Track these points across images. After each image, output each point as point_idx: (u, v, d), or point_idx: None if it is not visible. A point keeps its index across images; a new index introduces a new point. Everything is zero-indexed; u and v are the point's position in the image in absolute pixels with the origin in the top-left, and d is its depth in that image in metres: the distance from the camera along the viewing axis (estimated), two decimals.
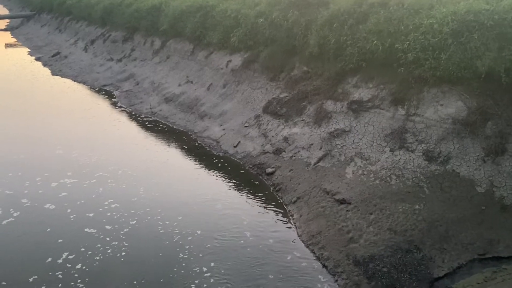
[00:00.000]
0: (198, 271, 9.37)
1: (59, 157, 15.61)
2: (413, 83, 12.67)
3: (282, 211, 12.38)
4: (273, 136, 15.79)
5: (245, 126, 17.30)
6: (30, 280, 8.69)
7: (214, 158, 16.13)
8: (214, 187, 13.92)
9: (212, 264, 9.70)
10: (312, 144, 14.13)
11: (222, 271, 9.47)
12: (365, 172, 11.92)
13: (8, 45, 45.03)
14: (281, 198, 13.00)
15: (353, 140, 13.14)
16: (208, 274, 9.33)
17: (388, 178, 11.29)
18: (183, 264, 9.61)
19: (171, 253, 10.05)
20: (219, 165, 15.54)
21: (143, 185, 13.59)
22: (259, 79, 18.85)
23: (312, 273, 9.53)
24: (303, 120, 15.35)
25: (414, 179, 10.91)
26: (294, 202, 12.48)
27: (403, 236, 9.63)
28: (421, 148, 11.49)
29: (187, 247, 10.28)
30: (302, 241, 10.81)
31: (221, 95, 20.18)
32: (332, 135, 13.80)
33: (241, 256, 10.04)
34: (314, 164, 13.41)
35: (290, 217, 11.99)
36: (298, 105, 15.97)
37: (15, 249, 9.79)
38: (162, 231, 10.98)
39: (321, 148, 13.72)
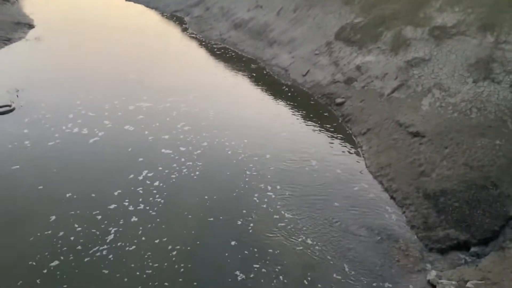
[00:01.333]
0: (263, 191, 9.69)
1: (134, 81, 16.25)
2: (505, 6, 11.32)
3: (350, 142, 12.19)
4: (344, 65, 15.19)
5: (315, 54, 16.74)
6: (115, 194, 9.51)
7: (283, 86, 15.96)
8: (281, 115, 13.91)
9: (278, 187, 9.97)
10: (386, 74, 13.43)
11: (287, 193, 9.72)
12: (443, 104, 11.22)
13: None
14: (350, 129, 12.75)
15: (433, 70, 12.28)
16: (272, 194, 9.62)
17: (468, 111, 10.56)
18: (251, 183, 9.97)
19: (239, 173, 10.45)
20: (288, 94, 15.39)
21: (213, 110, 13.93)
22: (333, 2, 17.84)
23: (379, 204, 9.50)
24: (378, 47, 14.51)
25: (497, 112, 10.11)
26: (364, 133, 12.19)
27: (480, 172, 9.15)
28: (509, 79, 10.49)
29: (254, 169, 10.62)
30: (370, 172, 10.69)
31: (291, 21, 19.47)
32: (409, 64, 12.97)
33: (305, 182, 10.18)
34: (388, 95, 12.83)
35: (359, 148, 11.81)
36: (374, 31, 15.03)
37: (102, 166, 10.65)
38: (230, 152, 11.36)
39: (396, 78, 13.02)
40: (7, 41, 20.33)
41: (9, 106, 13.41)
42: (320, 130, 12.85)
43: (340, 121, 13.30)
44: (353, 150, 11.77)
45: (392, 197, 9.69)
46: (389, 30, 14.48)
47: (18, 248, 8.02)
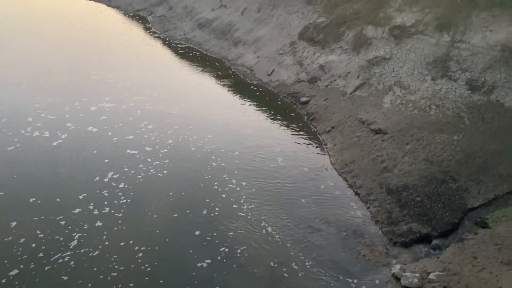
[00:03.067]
0: (228, 186, 9.70)
1: (95, 82, 15.88)
2: (461, 6, 11.80)
3: (315, 139, 12.37)
4: (308, 64, 15.39)
5: (280, 54, 16.88)
6: (80, 197, 9.27)
7: (249, 86, 16.01)
8: (247, 113, 13.95)
9: (243, 183, 10.01)
10: (349, 73, 13.71)
11: (252, 189, 9.78)
12: (403, 102, 11.57)
13: None
14: (315, 127, 12.93)
15: (393, 68, 12.63)
16: (237, 188, 9.65)
17: (427, 108, 10.94)
18: (217, 179, 9.96)
19: (204, 169, 10.41)
20: (253, 93, 15.45)
21: (177, 108, 13.84)
22: (296, 2, 18.03)
23: (344, 200, 9.69)
24: (340, 47, 14.79)
25: (454, 109, 10.53)
26: (328, 131, 12.40)
27: (439, 167, 9.51)
28: (464, 77, 10.94)
29: (220, 165, 10.62)
30: (335, 169, 10.88)
31: (255, 20, 19.56)
32: (371, 62, 13.29)
33: (271, 178, 10.26)
34: (351, 94, 13.10)
35: (324, 146, 12.00)
36: (336, 30, 15.31)
37: (66, 169, 10.34)
38: (194, 149, 11.30)
39: (358, 77, 13.31)
40: None
41: None
42: (286, 128, 12.97)
43: (305, 119, 13.47)
44: (318, 148, 11.95)
45: (356, 193, 9.91)
46: (351, 30, 14.78)
47: None
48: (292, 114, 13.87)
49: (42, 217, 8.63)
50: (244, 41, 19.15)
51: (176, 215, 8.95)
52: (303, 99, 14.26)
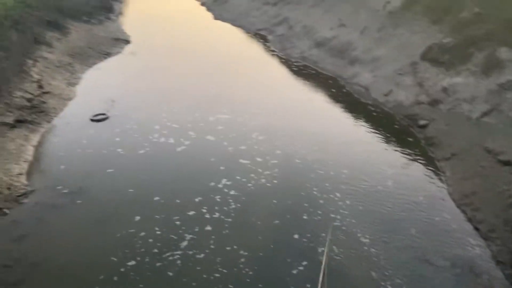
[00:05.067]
0: (336, 207, 9.56)
1: (214, 95, 16.91)
2: None
3: (432, 166, 11.63)
4: (430, 86, 14.58)
5: (399, 74, 16.27)
6: (196, 200, 9.99)
7: (362, 105, 15.71)
8: (359, 133, 13.68)
9: (348, 202, 9.81)
10: (476, 97, 12.67)
11: (359, 208, 9.53)
12: None
13: None
14: (433, 153, 12.17)
15: None
16: (345, 212, 9.45)
17: None
18: (324, 199, 9.89)
19: (313, 186, 10.45)
20: (367, 112, 15.10)
21: (287, 121, 14.20)
22: (420, 22, 17.28)
23: (461, 234, 8.93)
24: (468, 69, 13.76)
25: None
26: (448, 158, 11.57)
27: None
28: None
29: (327, 184, 10.59)
30: (453, 200, 10.10)
31: (375, 40, 19.16)
32: (502, 87, 12.14)
33: (378, 201, 9.88)
34: (477, 119, 12.09)
35: (441, 174, 11.22)
36: (464, 51, 14.29)
37: (187, 173, 11.26)
38: (302, 166, 11.40)
39: (487, 102, 12.24)
40: (106, 55, 22.27)
41: (104, 114, 14.64)
42: (399, 151, 12.43)
43: (422, 144, 12.77)
44: (434, 175, 11.21)
45: (476, 228, 9.06)
46: (481, 51, 13.70)
47: (103, 243, 8.72)
48: (407, 137, 13.25)
49: (163, 216, 9.46)
50: (361, 60, 18.86)
51: (279, 222, 9.19)
52: (422, 122, 13.53)
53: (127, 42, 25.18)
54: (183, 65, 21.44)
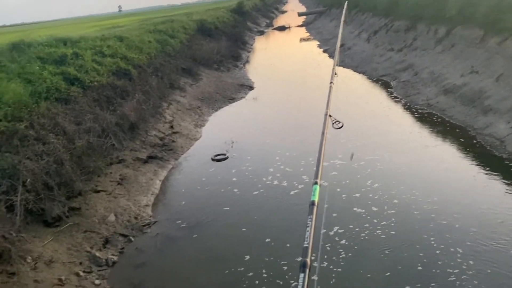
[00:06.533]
0: (453, 264, 8.55)
1: (329, 140, 16.71)
2: None
3: None
4: None
5: None
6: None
7: (496, 158, 14.14)
8: (488, 186, 12.26)
9: (471, 262, 8.67)
10: None
11: (488, 270, 8.36)
12: None
13: (302, 39, 51.08)
14: None
15: None
16: (464, 265, 8.37)
17: None
18: (440, 252, 8.94)
19: (432, 243, 9.51)
20: (501, 167, 13.52)
21: (405, 169, 13.49)
22: None
23: None
24: None
25: None
26: None
27: None
28: None
29: (447, 236, 9.61)
30: None
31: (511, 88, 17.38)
32: None
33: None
34: None
35: None
36: None
37: (299, 217, 11.24)
38: (417, 212, 10.48)
39: None
40: (231, 100, 23.86)
41: (224, 155, 15.53)
42: None
43: None
44: None
45: None
46: None
47: (213, 278, 9.04)
48: None
49: (271, 258, 9.48)
50: (496, 110, 17.20)
51: (391, 274, 8.58)
52: None
53: (251, 88, 26.73)
54: (303, 109, 21.90)
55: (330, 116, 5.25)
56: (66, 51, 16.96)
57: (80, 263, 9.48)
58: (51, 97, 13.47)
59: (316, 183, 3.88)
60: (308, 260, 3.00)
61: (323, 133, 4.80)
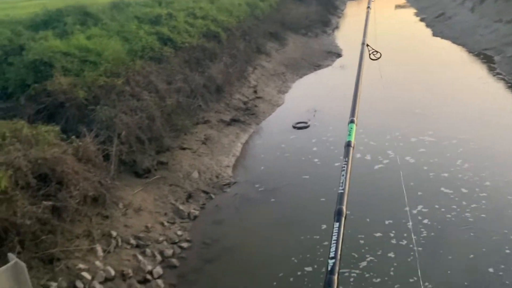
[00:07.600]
0: None
1: (419, 115, 15.79)
2: None
3: None
4: None
5: None
6: (386, 223, 9.53)
7: None
8: None
9: None
10: None
11: None
12: None
13: (397, 6, 47.96)
14: None
15: None
16: None
17: None
18: None
19: None
20: None
21: (501, 149, 12.69)
22: None
23: None
24: None
25: None
26: None
27: None
28: None
29: None
30: None
31: None
32: None
33: None
34: None
35: None
36: None
37: (382, 192, 10.79)
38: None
39: None
40: (317, 67, 23.36)
41: (306, 123, 15.37)
42: None
43: None
44: None
45: None
46: None
47: (288, 243, 9.18)
48: None
49: (349, 231, 9.26)
50: None
51: (474, 256, 8.29)
52: None
53: (338, 55, 25.94)
54: (390, 81, 20.80)
55: (367, 45, 4.58)
56: (161, 11, 17.57)
57: (165, 214, 10.11)
58: (145, 55, 14.14)
59: (352, 121, 3.32)
60: (344, 207, 2.60)
61: (360, 65, 4.18)
